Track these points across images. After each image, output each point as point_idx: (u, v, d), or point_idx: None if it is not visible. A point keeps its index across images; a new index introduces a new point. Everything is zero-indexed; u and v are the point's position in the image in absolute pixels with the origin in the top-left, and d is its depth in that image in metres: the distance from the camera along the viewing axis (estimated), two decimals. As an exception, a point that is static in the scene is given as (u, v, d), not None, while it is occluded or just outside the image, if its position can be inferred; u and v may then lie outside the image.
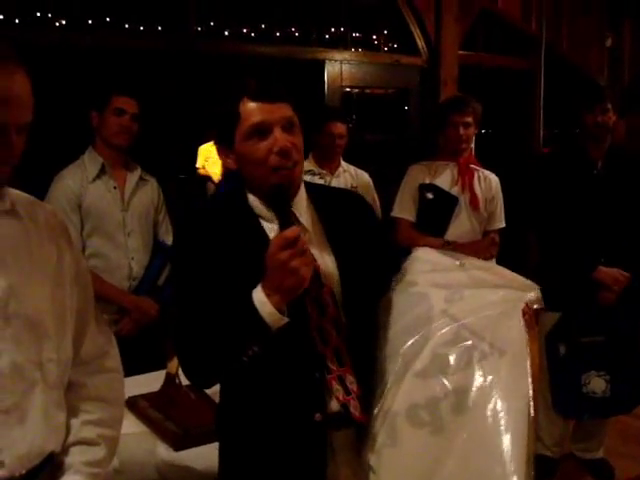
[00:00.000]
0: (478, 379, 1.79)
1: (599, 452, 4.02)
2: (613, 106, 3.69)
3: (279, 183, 1.75)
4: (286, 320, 1.66)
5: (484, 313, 1.90)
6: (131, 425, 2.34)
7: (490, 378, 1.79)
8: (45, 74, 7.35)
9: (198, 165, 9.56)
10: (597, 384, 3.60)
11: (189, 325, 1.75)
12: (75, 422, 1.63)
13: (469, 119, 3.90)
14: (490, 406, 1.76)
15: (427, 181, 3.98)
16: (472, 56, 6.81)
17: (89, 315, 1.70)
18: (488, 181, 4.05)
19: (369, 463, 1.82)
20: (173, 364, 2.54)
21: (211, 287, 1.72)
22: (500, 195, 4.07)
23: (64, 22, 6.07)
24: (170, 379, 2.53)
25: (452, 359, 1.82)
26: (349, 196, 2.13)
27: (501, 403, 1.76)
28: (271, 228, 1.81)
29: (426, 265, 2.07)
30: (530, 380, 1.83)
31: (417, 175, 4.03)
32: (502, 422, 1.74)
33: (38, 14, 5.97)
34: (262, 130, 1.75)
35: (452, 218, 3.94)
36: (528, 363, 1.85)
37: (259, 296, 1.65)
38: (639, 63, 7.47)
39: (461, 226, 3.95)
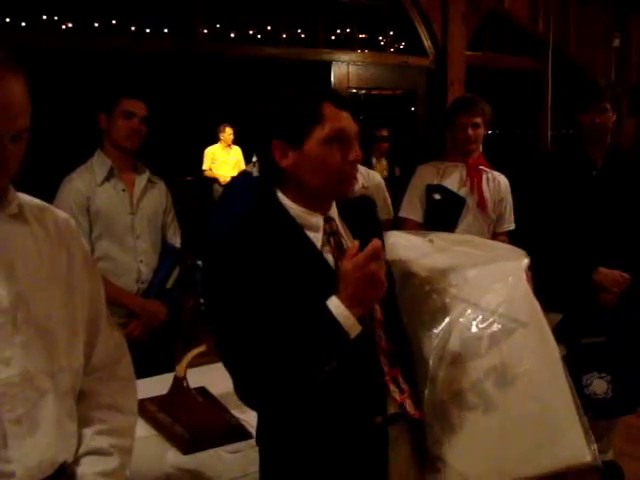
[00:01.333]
0: (510, 352, 1.87)
1: (608, 454, 3.99)
2: (612, 106, 3.64)
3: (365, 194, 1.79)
4: (360, 330, 1.65)
5: (494, 290, 1.96)
6: (140, 429, 2.31)
7: (520, 349, 1.88)
8: (53, 77, 7.40)
9: (204, 167, 9.58)
10: (598, 385, 3.58)
11: (251, 349, 1.64)
12: (87, 432, 1.60)
13: (478, 120, 3.87)
14: (528, 374, 1.85)
15: (435, 182, 3.95)
16: (479, 57, 6.81)
17: (101, 321, 1.67)
18: (497, 183, 4.02)
19: (435, 455, 1.87)
20: (181, 367, 2.53)
21: (268, 305, 1.65)
22: (509, 197, 4.03)
23: (70, 25, 6.08)
24: (178, 382, 2.52)
25: (481, 341, 1.88)
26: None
27: (536, 368, 1.86)
28: (317, 237, 1.79)
29: (409, 252, 2.10)
30: (554, 341, 1.95)
31: (425, 176, 4.01)
32: (543, 385, 1.86)
33: (44, 17, 5.98)
34: (344, 138, 1.75)
35: (460, 219, 3.91)
36: (547, 325, 1.97)
37: (340, 309, 1.63)
38: (647, 63, 7.44)
39: (469, 228, 3.92)
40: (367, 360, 1.78)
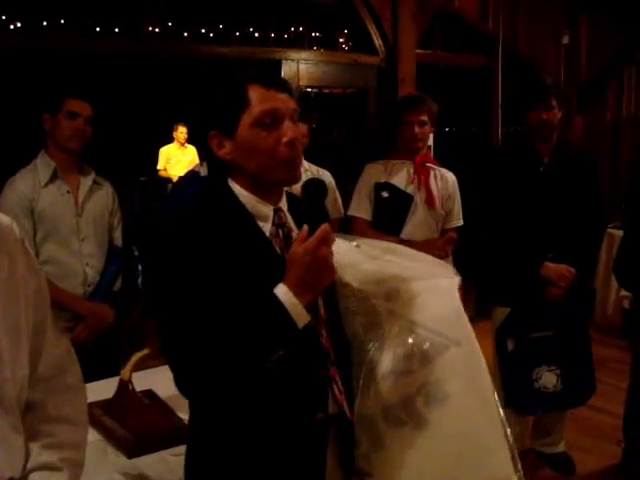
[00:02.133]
0: (443, 371, 1.84)
1: (560, 446, 4.06)
2: (559, 102, 3.70)
3: (314, 178, 1.74)
4: (309, 319, 1.62)
5: (429, 307, 1.93)
6: (84, 433, 2.31)
7: (453, 368, 1.85)
8: (-2, 77, 7.26)
9: (159, 167, 9.52)
10: (548, 379, 3.64)
11: (194, 338, 1.59)
12: (34, 446, 1.51)
13: (424, 117, 3.89)
14: (459, 393, 1.83)
15: (383, 180, 3.97)
16: (429, 55, 6.84)
17: (47, 329, 1.57)
18: (445, 179, 4.05)
19: (363, 470, 1.84)
20: (126, 370, 2.51)
21: (213, 295, 1.60)
22: (457, 193, 4.07)
23: (19, 24, 5.99)
24: (123, 385, 2.50)
25: (413, 357, 1.84)
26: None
27: (468, 388, 1.84)
28: (266, 227, 1.76)
29: (341, 258, 2.05)
30: (484, 363, 1.92)
31: (373, 174, 4.03)
32: (474, 406, 1.84)
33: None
34: (273, 118, 1.69)
35: (408, 216, 3.93)
36: (479, 348, 1.93)
37: (287, 296, 1.59)
38: (595, 60, 7.55)
39: (417, 224, 3.95)
40: (311, 354, 1.75)
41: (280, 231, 1.78)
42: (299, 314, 1.59)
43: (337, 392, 1.79)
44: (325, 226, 1.61)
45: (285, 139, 1.69)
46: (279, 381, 1.67)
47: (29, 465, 1.49)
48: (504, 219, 3.74)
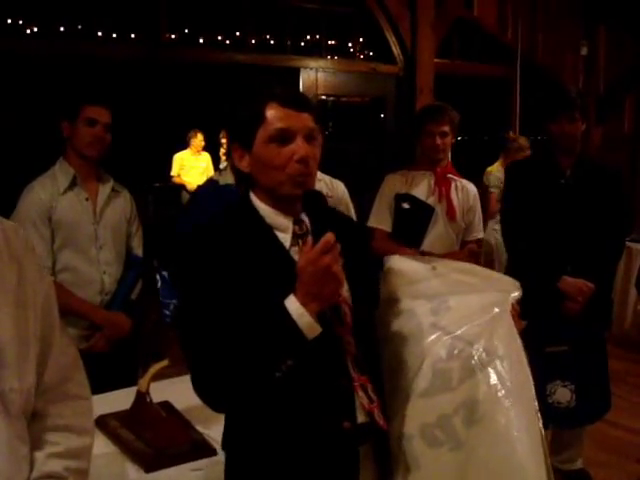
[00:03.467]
0: (483, 388, 1.78)
1: (577, 463, 4.00)
2: (582, 115, 3.66)
3: (313, 190, 1.77)
4: (320, 330, 1.64)
5: (475, 321, 1.88)
6: (101, 445, 2.27)
7: (494, 385, 1.78)
8: (15, 82, 7.28)
9: (173, 173, 9.50)
10: (562, 394, 3.60)
11: (211, 347, 1.66)
12: (40, 455, 1.50)
13: (446, 128, 3.86)
14: (500, 413, 1.76)
15: (403, 191, 3.94)
16: (448, 64, 6.82)
17: (54, 337, 1.57)
18: (466, 191, 4.01)
19: None
20: (144, 381, 2.47)
21: (232, 305, 1.67)
22: (478, 205, 4.04)
23: (35, 29, 5.98)
24: (141, 397, 2.46)
25: (453, 372, 1.81)
26: (346, 218, 2.12)
27: (510, 408, 1.76)
28: (285, 238, 1.80)
29: (402, 277, 2.04)
30: (532, 381, 1.83)
31: (393, 184, 4.00)
32: (515, 428, 1.75)
33: (9, 21, 5.88)
34: (285, 137, 1.74)
35: (428, 228, 3.90)
36: (527, 365, 1.85)
37: (295, 306, 1.62)
38: (614, 71, 7.51)
39: (438, 236, 3.91)
40: (333, 363, 1.75)
41: (300, 242, 1.80)
42: (307, 324, 1.62)
43: (366, 401, 1.77)
44: (327, 236, 1.62)
45: (296, 156, 1.73)
46: (298, 390, 1.71)
47: (34, 474, 1.49)
48: (524, 231, 3.70)
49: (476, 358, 1.81)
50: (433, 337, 1.86)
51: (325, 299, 1.65)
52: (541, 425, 1.81)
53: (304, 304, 1.62)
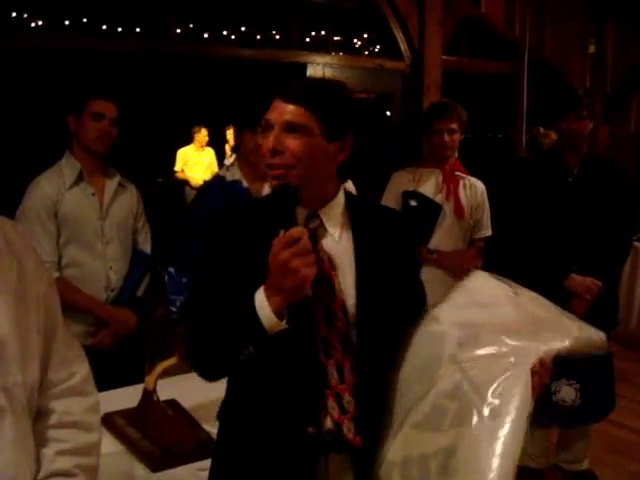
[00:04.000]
0: (468, 440, 1.64)
1: (584, 463, 3.98)
2: (589, 113, 3.65)
3: (282, 183, 1.72)
4: (284, 326, 1.62)
5: (492, 367, 1.72)
6: (107, 444, 2.24)
7: (482, 444, 1.62)
8: (21, 76, 7.26)
9: (176, 168, 9.50)
10: (567, 393, 3.58)
11: (201, 319, 1.75)
12: (48, 452, 1.49)
13: (454, 125, 3.84)
14: (475, 473, 1.60)
15: (411, 188, 3.91)
16: (455, 61, 6.79)
17: (58, 333, 1.57)
18: (474, 188, 3.99)
19: None
20: (151, 379, 2.45)
21: (232, 286, 1.70)
22: (486, 202, 4.01)
23: (40, 23, 5.96)
24: (148, 395, 2.44)
25: (448, 413, 1.68)
26: (393, 217, 2.05)
27: (488, 473, 1.59)
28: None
29: (468, 297, 1.88)
30: (519, 450, 1.65)
31: (401, 182, 3.97)
32: None
33: (14, 14, 5.86)
34: (267, 127, 1.76)
35: (436, 226, 3.87)
36: (522, 434, 1.66)
37: (260, 297, 1.62)
38: (621, 70, 7.48)
39: (445, 234, 3.89)
40: (306, 365, 1.72)
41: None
42: (267, 317, 1.60)
43: (337, 411, 1.73)
44: (293, 230, 1.59)
45: (264, 147, 1.75)
46: (268, 381, 1.75)
47: (43, 472, 1.48)
48: (530, 229, 3.68)
49: (475, 408, 1.66)
50: (447, 369, 1.73)
51: (286, 294, 1.60)
52: None
53: (268, 297, 1.61)
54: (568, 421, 3.69)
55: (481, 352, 1.74)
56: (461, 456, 1.63)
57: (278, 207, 1.71)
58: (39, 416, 1.51)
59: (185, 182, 9.45)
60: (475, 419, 1.65)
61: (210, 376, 1.81)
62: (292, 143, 1.72)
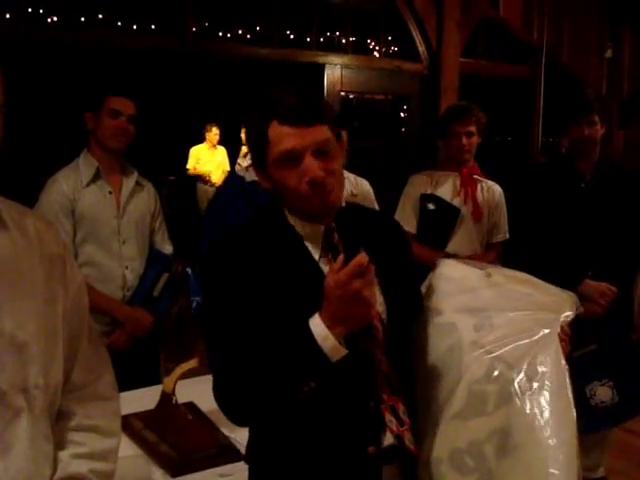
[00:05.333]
0: (520, 416, 1.65)
1: (599, 472, 3.94)
2: (602, 118, 3.62)
3: (321, 211, 1.64)
4: (345, 352, 1.53)
5: (519, 342, 1.73)
6: (124, 447, 2.20)
7: (533, 414, 1.64)
8: (38, 72, 7.25)
9: (189, 166, 9.50)
10: (603, 393, 3.53)
11: (233, 360, 1.58)
12: (64, 455, 1.47)
13: (472, 128, 3.81)
14: (537, 446, 1.62)
15: (428, 191, 3.89)
16: (472, 64, 6.76)
17: (84, 336, 1.54)
18: (491, 192, 3.96)
19: None
20: (169, 382, 2.42)
21: (258, 316, 1.58)
22: (504, 206, 3.98)
23: (56, 19, 5.95)
24: (166, 398, 2.41)
25: (490, 396, 1.67)
26: (384, 219, 2.00)
27: (548, 440, 1.61)
28: (315, 249, 1.70)
29: (451, 285, 1.90)
30: (574, 412, 1.68)
31: (418, 185, 3.95)
32: (551, 463, 1.60)
33: (30, 10, 5.84)
34: (292, 157, 1.60)
35: (454, 230, 3.85)
36: (570, 394, 1.70)
37: (320, 329, 1.51)
38: (638, 75, 7.44)
39: (463, 238, 3.87)
40: (361, 383, 1.65)
41: (330, 253, 1.69)
42: (331, 348, 1.51)
43: (395, 424, 1.66)
44: (360, 257, 1.50)
45: (306, 178, 1.60)
46: (320, 411, 1.62)
47: (57, 475, 1.46)
48: (545, 235, 3.64)
49: (515, 383, 1.67)
50: (472, 356, 1.72)
51: (353, 323, 1.54)
52: (579, 463, 1.65)
53: (329, 327, 1.51)
54: (613, 420, 3.65)
55: (502, 331, 1.74)
56: (517, 433, 1.63)
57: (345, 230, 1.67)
58: (60, 417, 1.50)
59: (197, 179, 9.45)
60: (520, 394, 1.65)
61: (250, 422, 1.72)
62: (332, 164, 1.64)
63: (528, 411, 1.64)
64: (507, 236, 3.98)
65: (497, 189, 4.00)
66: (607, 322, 3.59)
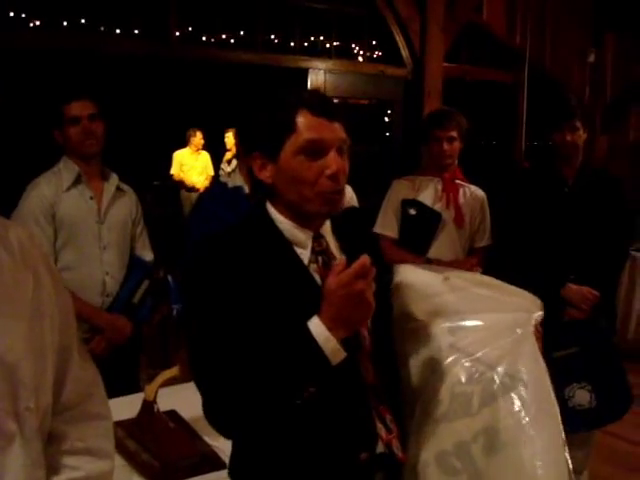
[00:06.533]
0: (505, 415, 1.68)
1: (583, 476, 3.93)
2: (583, 124, 3.65)
3: (330, 209, 1.64)
4: (345, 355, 1.52)
5: (496, 343, 1.77)
6: (105, 456, 2.19)
7: (518, 412, 1.68)
8: (18, 76, 7.19)
9: (172, 172, 9.45)
10: (581, 396, 3.54)
11: (226, 373, 1.52)
12: None
13: (453, 134, 3.79)
14: (524, 443, 1.65)
15: (410, 196, 3.88)
16: (456, 68, 6.78)
17: (72, 352, 1.46)
18: (474, 197, 3.95)
19: None
20: (151, 390, 2.39)
21: (248, 325, 1.54)
22: (487, 211, 3.97)
23: (38, 23, 5.91)
24: (148, 406, 2.38)
25: (473, 397, 1.70)
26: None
27: (535, 437, 1.65)
28: (304, 254, 1.67)
29: (414, 291, 1.93)
30: (557, 407, 1.73)
31: (400, 190, 3.93)
32: (539, 459, 1.64)
33: (12, 14, 5.81)
34: (317, 149, 1.60)
35: (436, 235, 3.84)
36: (552, 389, 1.75)
37: (321, 330, 1.50)
38: (621, 80, 7.49)
39: (445, 243, 3.85)
40: (352, 391, 1.64)
41: (320, 258, 1.68)
42: (333, 350, 1.50)
43: (384, 432, 1.66)
44: (363, 258, 1.49)
45: (328, 171, 1.60)
46: (315, 418, 1.59)
47: None
48: (527, 239, 3.68)
49: (498, 382, 1.71)
50: (452, 359, 1.76)
51: (354, 325, 1.54)
52: (568, 456, 1.70)
53: (331, 329, 1.49)
54: (590, 424, 3.65)
55: (478, 334, 1.79)
56: (503, 431, 1.66)
57: (353, 231, 1.68)
58: (52, 440, 1.43)
59: (180, 185, 9.42)
60: (502, 394, 1.69)
61: (244, 434, 1.65)
62: (346, 165, 1.64)
63: (512, 409, 1.68)
64: (490, 242, 3.98)
65: (480, 194, 3.99)
66: (589, 326, 3.62)
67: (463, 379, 1.72)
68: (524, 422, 1.66)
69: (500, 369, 1.72)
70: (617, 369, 3.68)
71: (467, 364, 1.73)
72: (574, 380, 3.55)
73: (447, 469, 1.67)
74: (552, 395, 1.75)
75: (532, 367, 1.76)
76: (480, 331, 1.79)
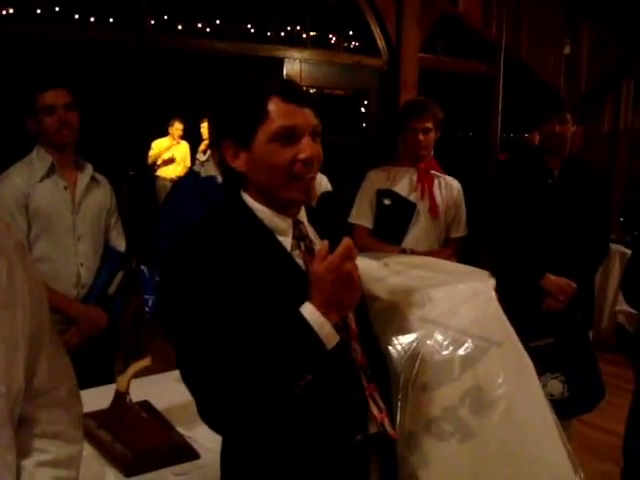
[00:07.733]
0: (486, 374, 1.77)
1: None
2: (572, 117, 3.68)
3: (327, 192, 1.67)
4: (338, 339, 1.53)
5: (463, 310, 1.87)
6: (77, 447, 2.19)
7: (497, 370, 1.78)
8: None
9: (150, 161, 9.40)
10: (554, 386, 3.57)
11: (216, 365, 1.48)
12: (28, 464, 1.44)
13: (429, 124, 3.79)
14: (507, 398, 1.75)
15: (385, 187, 3.88)
16: (432, 59, 6.79)
17: (44, 338, 1.47)
18: (449, 187, 3.95)
19: None
20: (124, 380, 2.39)
21: (235, 318, 1.50)
22: (462, 202, 3.98)
23: (12, 11, 5.86)
24: (120, 397, 2.38)
25: (454, 363, 1.78)
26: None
27: (516, 390, 1.77)
28: (286, 241, 1.67)
29: (364, 276, 1.95)
30: (529, 360, 1.88)
31: (375, 180, 3.93)
32: (524, 411, 1.77)
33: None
34: (290, 135, 1.60)
35: (410, 225, 3.84)
36: (521, 346, 1.89)
37: (315, 316, 1.50)
38: (595, 71, 7.54)
39: (420, 234, 3.86)
40: (345, 374, 1.65)
41: (302, 244, 1.69)
42: (328, 335, 1.50)
43: (376, 411, 1.68)
44: (347, 240, 1.52)
45: (302, 156, 1.61)
46: (311, 405, 1.58)
47: None
48: (508, 229, 3.70)
49: (473, 346, 1.79)
50: (425, 331, 1.83)
51: (346, 308, 1.56)
52: (550, 406, 1.84)
53: (325, 314, 1.50)
54: (561, 414, 3.69)
55: (445, 304, 1.89)
56: (488, 389, 1.77)
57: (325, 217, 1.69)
58: (23, 424, 1.45)
59: (155, 174, 9.38)
60: (480, 355, 1.79)
61: (241, 428, 1.59)
62: (320, 151, 1.65)
63: (491, 368, 1.78)
64: (465, 232, 3.99)
65: (456, 185, 3.99)
66: (566, 318, 3.65)
67: (439, 347, 1.80)
68: (504, 378, 1.77)
69: (473, 333, 1.82)
70: (591, 361, 3.71)
71: (440, 333, 1.81)
72: (548, 370, 3.58)
73: (439, 434, 1.74)
74: (524, 353, 1.88)
75: (501, 327, 1.88)
76: (445, 302, 1.88)
